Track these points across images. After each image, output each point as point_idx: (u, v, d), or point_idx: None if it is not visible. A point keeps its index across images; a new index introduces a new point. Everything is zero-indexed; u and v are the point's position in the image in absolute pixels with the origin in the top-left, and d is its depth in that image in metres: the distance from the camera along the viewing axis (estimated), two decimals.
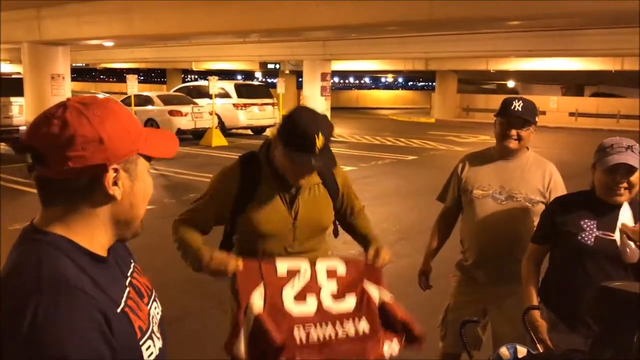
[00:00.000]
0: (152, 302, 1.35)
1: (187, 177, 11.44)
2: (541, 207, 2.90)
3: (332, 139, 2.24)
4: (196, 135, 17.63)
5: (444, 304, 3.29)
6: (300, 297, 2.15)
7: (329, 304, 2.18)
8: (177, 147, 1.32)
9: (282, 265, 2.18)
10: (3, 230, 6.85)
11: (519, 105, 2.93)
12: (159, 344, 1.29)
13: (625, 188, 2.49)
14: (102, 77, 67.26)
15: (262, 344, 2.01)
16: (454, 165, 3.29)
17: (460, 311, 3.06)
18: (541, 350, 2.36)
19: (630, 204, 2.56)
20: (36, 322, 1.03)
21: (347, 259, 2.30)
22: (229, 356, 2.06)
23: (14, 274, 1.11)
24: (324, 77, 20.65)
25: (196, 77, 45.52)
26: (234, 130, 19.51)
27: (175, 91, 21.50)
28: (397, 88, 62.54)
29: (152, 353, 1.24)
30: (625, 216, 2.53)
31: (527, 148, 3.07)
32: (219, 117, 18.27)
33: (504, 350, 2.11)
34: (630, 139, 2.54)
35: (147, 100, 17.98)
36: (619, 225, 2.52)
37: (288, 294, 2.14)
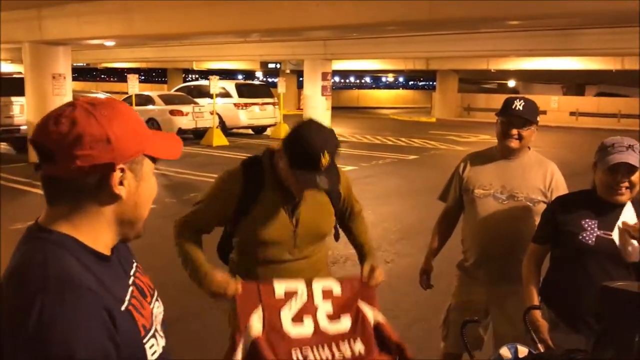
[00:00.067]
0: (155, 302, 1.35)
1: (188, 176, 11.44)
2: (542, 207, 2.89)
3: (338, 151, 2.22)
4: (197, 135, 17.63)
5: (445, 303, 3.29)
6: (298, 319, 2.19)
7: (325, 325, 2.21)
8: (181, 149, 1.33)
9: (280, 287, 2.22)
10: (3, 230, 6.86)
11: (520, 105, 2.93)
12: (162, 342, 1.30)
13: (627, 187, 2.49)
14: (103, 76, 67.26)
15: None
16: (454, 164, 3.29)
17: (461, 311, 3.06)
18: (542, 350, 2.36)
19: (632, 203, 2.55)
20: (42, 321, 1.03)
21: (342, 279, 2.34)
22: None
23: (19, 273, 1.12)
24: (324, 76, 20.63)
25: (197, 76, 45.48)
26: (234, 130, 19.50)
27: (176, 91, 21.49)
28: (397, 87, 62.45)
29: (155, 351, 1.25)
30: (627, 215, 2.53)
31: (529, 148, 3.07)
32: (219, 117, 18.27)
33: (504, 350, 2.11)
34: (631, 138, 2.54)
35: (148, 100, 17.98)
36: (619, 224, 2.52)
37: (286, 316, 2.18)
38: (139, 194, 1.24)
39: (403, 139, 19.00)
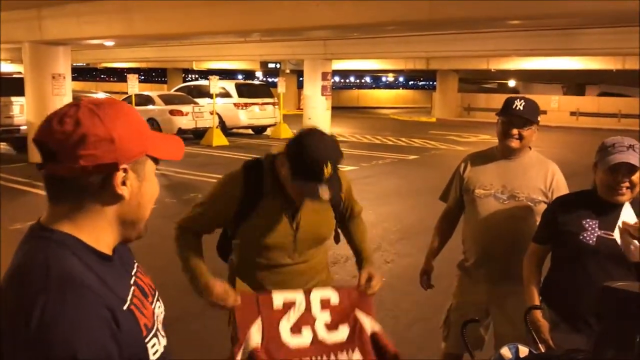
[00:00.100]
0: (156, 302, 1.36)
1: (188, 176, 11.43)
2: (543, 207, 2.89)
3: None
4: (197, 135, 17.63)
5: (445, 303, 3.29)
6: (296, 329, 2.21)
7: (323, 334, 2.23)
8: (183, 150, 1.34)
9: (278, 298, 2.24)
10: (3, 230, 6.86)
11: (520, 105, 2.92)
12: (163, 342, 1.30)
13: (627, 187, 2.49)
14: (102, 76, 67.27)
15: None
16: (455, 164, 3.29)
17: (462, 311, 3.06)
18: (543, 350, 2.36)
19: (632, 203, 2.55)
20: (44, 320, 1.04)
21: (339, 288, 2.37)
22: None
23: (21, 272, 1.12)
24: (324, 76, 20.62)
25: (197, 76, 45.50)
26: (234, 130, 19.50)
27: (176, 91, 21.49)
28: (397, 87, 62.41)
29: (157, 350, 1.25)
30: (627, 215, 2.53)
31: (530, 147, 3.07)
32: (219, 117, 18.27)
33: (505, 350, 2.11)
34: (632, 138, 2.54)
35: (148, 100, 17.98)
36: (619, 224, 2.51)
37: (284, 327, 2.20)
38: (142, 195, 1.25)
39: (403, 139, 19.00)
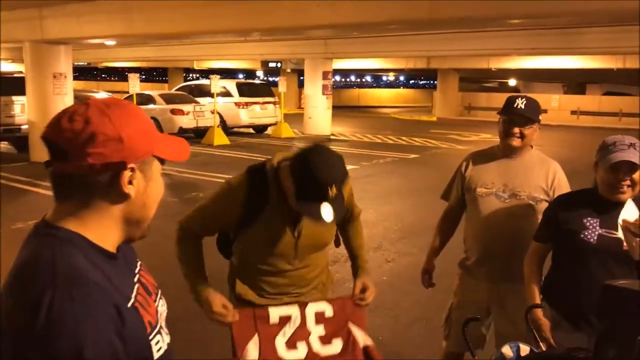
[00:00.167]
0: (159, 300, 1.37)
1: (189, 175, 11.43)
2: (545, 206, 2.89)
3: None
4: (198, 134, 17.62)
5: (447, 302, 3.29)
6: (291, 344, 2.28)
7: (317, 348, 2.31)
8: (189, 152, 1.36)
9: (274, 313, 2.30)
10: (3, 230, 6.87)
11: (522, 104, 2.93)
12: (167, 339, 1.31)
13: (628, 186, 2.49)
14: (104, 76, 67.27)
15: None
16: (456, 163, 3.29)
17: (463, 310, 3.06)
18: (544, 349, 2.36)
19: (635, 200, 2.55)
20: (50, 317, 1.04)
21: (333, 300, 2.43)
22: None
23: (27, 269, 1.13)
24: (325, 75, 20.62)
25: (198, 75, 45.47)
26: (235, 129, 19.50)
27: (177, 90, 21.48)
28: (398, 86, 62.33)
29: (160, 348, 1.26)
30: (629, 212, 2.53)
31: (531, 146, 3.07)
32: (220, 116, 18.28)
33: (506, 349, 2.11)
34: (633, 137, 2.54)
35: (149, 99, 17.99)
36: (619, 221, 2.51)
37: (280, 342, 2.27)
38: (147, 194, 1.26)
39: (404, 138, 18.99)
